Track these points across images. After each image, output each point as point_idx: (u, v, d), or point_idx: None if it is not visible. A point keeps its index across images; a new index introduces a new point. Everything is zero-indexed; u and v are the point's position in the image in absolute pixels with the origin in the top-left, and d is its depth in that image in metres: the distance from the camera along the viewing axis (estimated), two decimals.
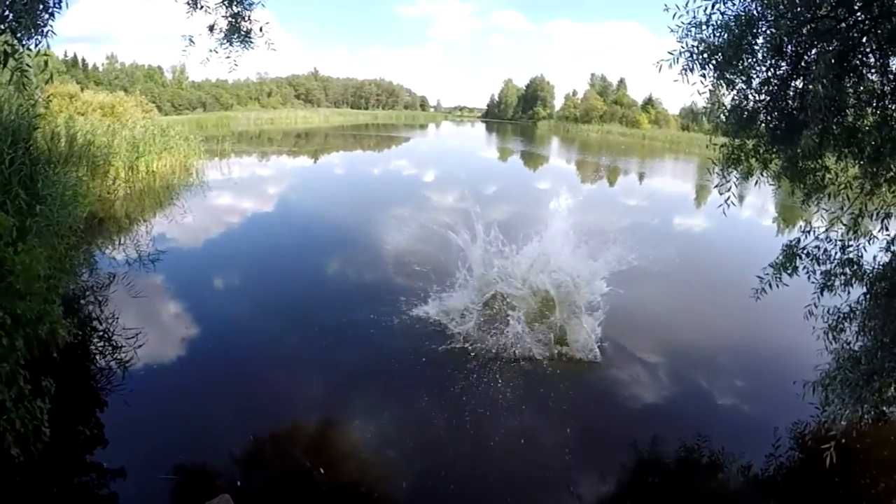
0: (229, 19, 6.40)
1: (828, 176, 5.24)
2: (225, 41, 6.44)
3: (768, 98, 4.99)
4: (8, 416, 4.03)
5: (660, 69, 4.98)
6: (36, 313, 4.77)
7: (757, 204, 23.80)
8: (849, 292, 5.26)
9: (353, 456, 5.52)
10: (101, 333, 7.58)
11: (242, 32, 6.42)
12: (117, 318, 7.91)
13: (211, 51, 6.47)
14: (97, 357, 7.10)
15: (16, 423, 4.04)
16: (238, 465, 5.26)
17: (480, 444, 5.86)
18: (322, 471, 5.17)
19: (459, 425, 6.13)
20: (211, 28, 6.41)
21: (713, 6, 4.65)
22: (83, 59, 64.68)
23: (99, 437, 5.53)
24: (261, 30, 6.53)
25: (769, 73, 4.93)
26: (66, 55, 60.36)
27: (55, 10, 4.71)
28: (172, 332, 8.03)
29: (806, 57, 4.68)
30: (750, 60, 4.86)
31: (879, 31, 4.22)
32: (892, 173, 4.73)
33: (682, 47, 4.85)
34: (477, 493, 5.17)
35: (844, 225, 5.09)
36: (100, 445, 5.41)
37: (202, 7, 6.38)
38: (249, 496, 4.73)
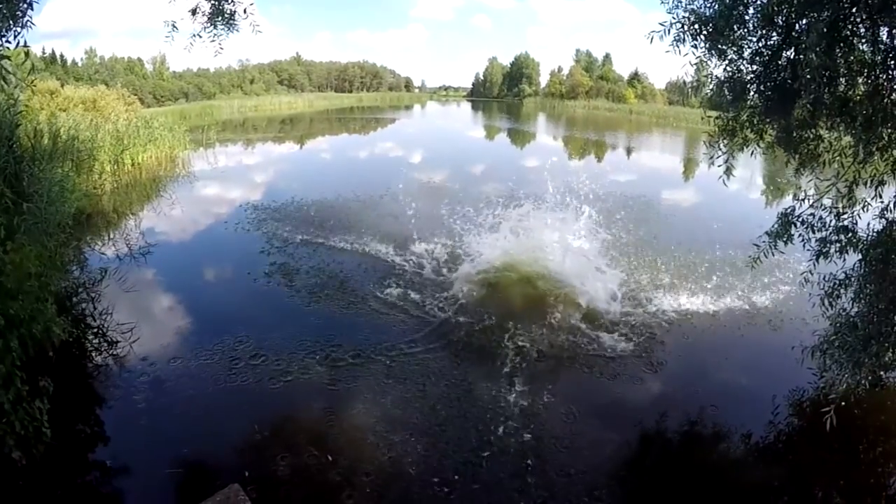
0: (212, 2, 6.26)
1: (821, 145, 5.25)
2: (209, 25, 6.29)
3: (760, 68, 4.97)
4: (7, 419, 4.00)
5: (651, 41, 4.99)
6: (29, 312, 4.73)
7: (745, 176, 23.84)
8: (844, 259, 5.28)
9: (360, 440, 5.51)
10: (95, 330, 7.53)
11: (226, 15, 6.28)
12: (111, 314, 7.87)
13: (194, 35, 6.32)
14: (93, 354, 7.06)
15: (16, 426, 4.02)
16: (244, 456, 5.24)
17: (487, 420, 5.89)
18: (329, 458, 5.18)
19: (466, 405, 6.17)
20: (193, 12, 6.26)
21: None
22: (62, 55, 63.35)
23: (101, 435, 5.50)
24: (245, 11, 6.39)
25: (760, 44, 4.91)
26: (44, 52, 59.19)
27: None
28: (167, 325, 8.00)
29: (797, 27, 4.65)
30: (741, 31, 4.85)
31: (870, 2, 4.18)
32: (884, 142, 4.73)
33: (673, 18, 4.85)
34: (486, 469, 5.18)
35: (839, 192, 5.11)
36: (102, 443, 5.39)
37: None
38: (258, 485, 4.73)
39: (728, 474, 5.50)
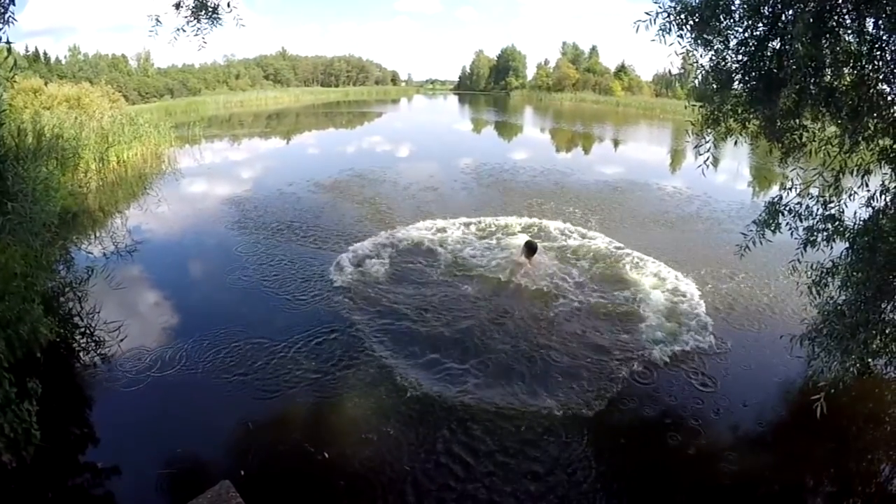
0: None
1: (805, 135, 5.29)
2: (192, 18, 6.24)
3: (746, 58, 5.01)
4: None
5: (637, 30, 5.01)
6: (16, 313, 4.68)
7: (732, 167, 24.00)
8: (832, 247, 5.34)
9: (355, 434, 5.50)
10: (83, 329, 7.45)
11: (210, 8, 6.22)
12: (98, 313, 7.78)
13: (178, 29, 6.26)
14: (81, 354, 7.00)
15: (4, 429, 3.97)
16: (237, 453, 5.22)
17: (482, 408, 5.91)
18: (326, 455, 5.17)
19: (459, 395, 6.15)
20: (177, 6, 6.20)
21: None
22: (45, 53, 61.98)
23: (91, 436, 5.47)
24: (228, 5, 6.34)
25: (746, 34, 4.94)
26: (27, 50, 58.13)
27: None
28: (155, 323, 7.94)
29: (783, 17, 4.69)
30: (727, 21, 4.88)
31: None
32: (869, 131, 4.77)
33: (659, 8, 4.88)
34: (484, 465, 5.18)
35: (826, 182, 5.15)
36: (92, 444, 5.35)
37: None
38: (251, 482, 4.72)
39: (719, 462, 5.52)
